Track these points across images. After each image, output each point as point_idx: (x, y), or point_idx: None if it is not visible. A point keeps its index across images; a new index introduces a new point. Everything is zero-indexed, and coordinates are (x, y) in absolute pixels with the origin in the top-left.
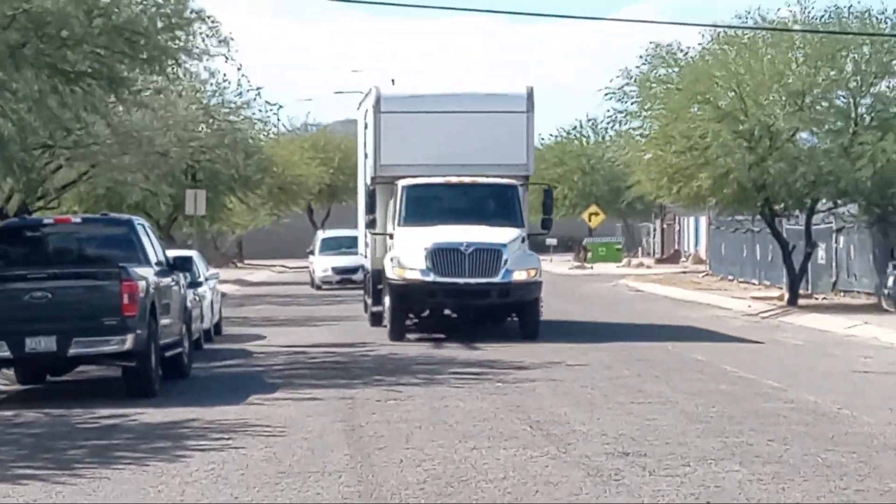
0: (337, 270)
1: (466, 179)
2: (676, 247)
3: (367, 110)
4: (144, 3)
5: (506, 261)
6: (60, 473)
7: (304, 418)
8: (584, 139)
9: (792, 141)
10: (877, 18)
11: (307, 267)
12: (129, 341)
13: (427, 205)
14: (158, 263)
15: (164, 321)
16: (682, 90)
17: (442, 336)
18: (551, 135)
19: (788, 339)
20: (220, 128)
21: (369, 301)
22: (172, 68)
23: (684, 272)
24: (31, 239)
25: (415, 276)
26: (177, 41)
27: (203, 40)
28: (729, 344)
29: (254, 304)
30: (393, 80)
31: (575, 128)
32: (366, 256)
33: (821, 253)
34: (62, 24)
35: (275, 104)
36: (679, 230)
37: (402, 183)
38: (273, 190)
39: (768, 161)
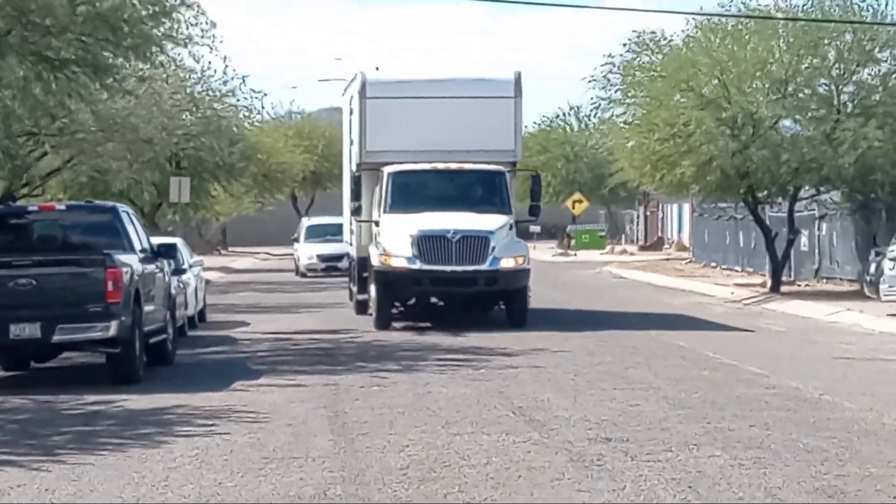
0: (322, 258)
1: (453, 166)
2: (660, 234)
3: (352, 96)
4: None
5: (493, 248)
6: (44, 459)
7: (288, 404)
8: (568, 127)
9: (775, 128)
10: (858, 6)
11: (292, 254)
12: (113, 328)
13: (413, 191)
14: (143, 251)
15: (148, 308)
16: (665, 78)
17: (428, 325)
18: (535, 123)
19: (771, 326)
20: (205, 115)
21: (354, 289)
22: (155, 55)
23: (667, 259)
24: (16, 226)
25: (401, 263)
26: (161, 28)
27: (187, 28)
28: (711, 330)
29: (238, 291)
30: (377, 68)
31: (558, 116)
32: (351, 244)
33: (803, 240)
34: (46, 11)
35: (259, 92)
36: (662, 217)
37: (387, 169)
38: (257, 177)
39: (751, 148)
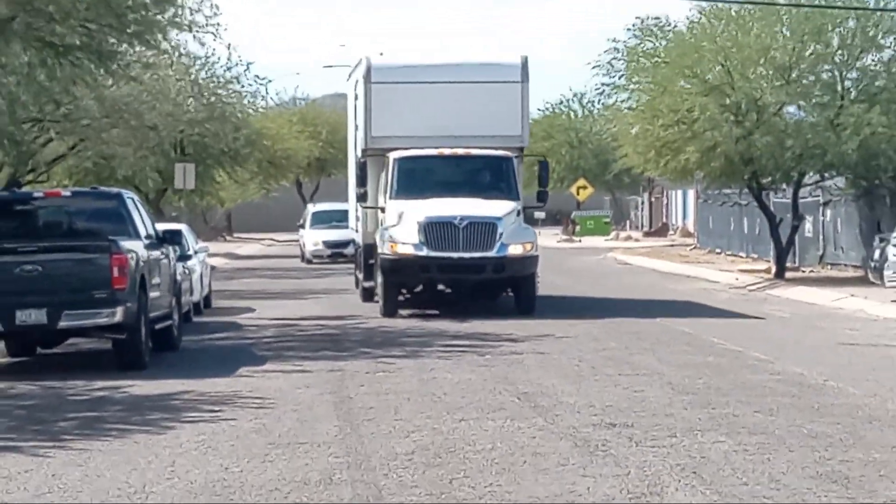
0: (328, 244)
1: (460, 151)
2: (664, 220)
3: (357, 81)
4: None
5: (501, 234)
6: (50, 445)
7: (294, 390)
8: (572, 113)
9: (779, 114)
10: None
11: (297, 240)
12: (118, 314)
13: (419, 177)
14: (148, 237)
15: (153, 294)
16: (669, 64)
17: (436, 312)
18: (539, 109)
19: (775, 312)
20: (209, 102)
21: (360, 276)
22: (159, 41)
23: (672, 245)
24: (22, 212)
25: (407, 250)
26: (165, 14)
27: (192, 14)
28: (716, 316)
29: (243, 278)
30: (381, 53)
31: (562, 102)
32: (357, 230)
33: (808, 226)
34: None
35: (264, 79)
36: (667, 203)
37: (393, 155)
38: (262, 164)
39: (755, 134)
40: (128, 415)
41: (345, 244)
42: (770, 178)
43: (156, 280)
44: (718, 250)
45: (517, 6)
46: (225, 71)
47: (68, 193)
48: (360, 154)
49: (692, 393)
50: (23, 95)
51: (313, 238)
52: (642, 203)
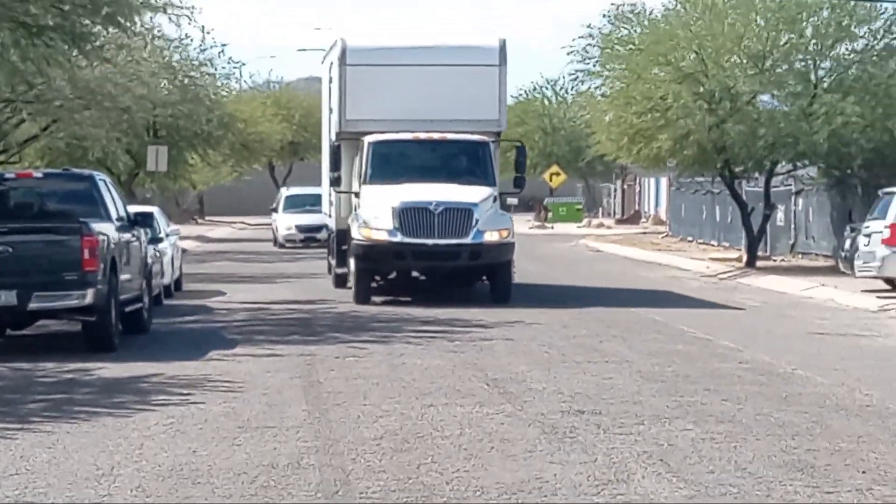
0: (301, 229)
1: (436, 135)
2: (637, 207)
3: (331, 63)
4: None
5: (476, 221)
6: (18, 427)
7: (264, 374)
8: (546, 100)
9: (752, 103)
10: None
11: (269, 224)
12: (89, 296)
13: (394, 162)
14: (119, 219)
15: (124, 276)
16: (643, 51)
17: (409, 299)
18: (513, 95)
19: (746, 301)
20: (183, 83)
21: (333, 262)
22: (133, 23)
23: (644, 233)
24: None
25: (381, 236)
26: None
27: None
28: (686, 305)
29: (215, 261)
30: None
31: (535, 89)
32: (330, 215)
33: (780, 215)
34: None
35: (238, 62)
36: (640, 191)
37: (368, 139)
38: (235, 146)
39: (728, 123)
40: (97, 397)
41: (318, 229)
42: (742, 167)
43: (126, 263)
44: (690, 238)
45: None
46: (199, 53)
47: (40, 175)
48: (334, 138)
49: (661, 381)
50: None
51: (286, 222)
52: (615, 190)
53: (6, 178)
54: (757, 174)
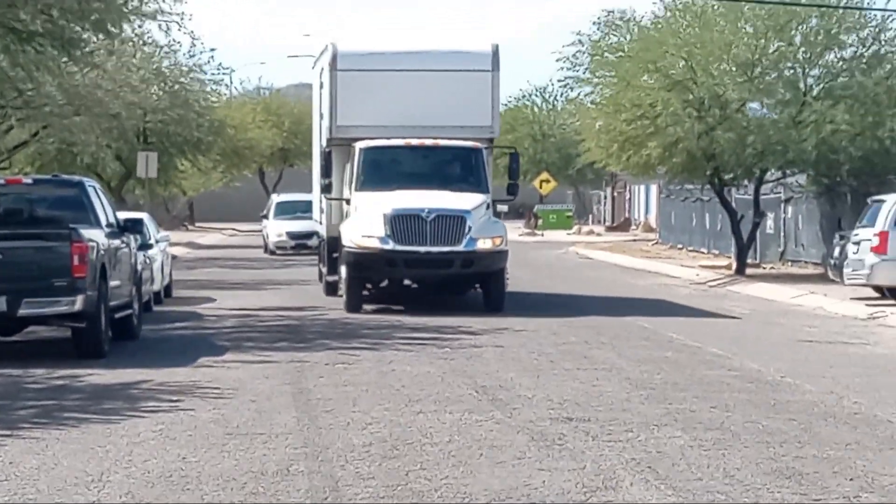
0: (292, 235)
1: (428, 142)
2: (627, 215)
3: (322, 68)
4: None
5: (469, 228)
6: (7, 433)
7: (253, 381)
8: (535, 107)
9: (741, 111)
10: None
11: (259, 231)
12: (78, 302)
13: (386, 168)
14: (109, 225)
15: (113, 283)
16: (632, 58)
17: (401, 308)
18: (502, 103)
19: (735, 308)
20: (172, 90)
21: (324, 270)
22: (121, 29)
23: (634, 240)
24: None
25: (373, 244)
26: (128, 4)
27: (157, 1)
28: (676, 312)
29: (205, 267)
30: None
31: (524, 96)
32: (321, 223)
33: (769, 223)
34: None
35: (227, 68)
36: (630, 198)
37: (359, 145)
38: (225, 152)
39: (717, 130)
40: (86, 404)
41: (309, 235)
42: (732, 175)
43: (116, 269)
44: (680, 246)
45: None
46: (188, 59)
47: (29, 181)
48: (324, 144)
49: (649, 388)
50: None
51: (277, 229)
52: (605, 197)
53: None
54: (746, 182)
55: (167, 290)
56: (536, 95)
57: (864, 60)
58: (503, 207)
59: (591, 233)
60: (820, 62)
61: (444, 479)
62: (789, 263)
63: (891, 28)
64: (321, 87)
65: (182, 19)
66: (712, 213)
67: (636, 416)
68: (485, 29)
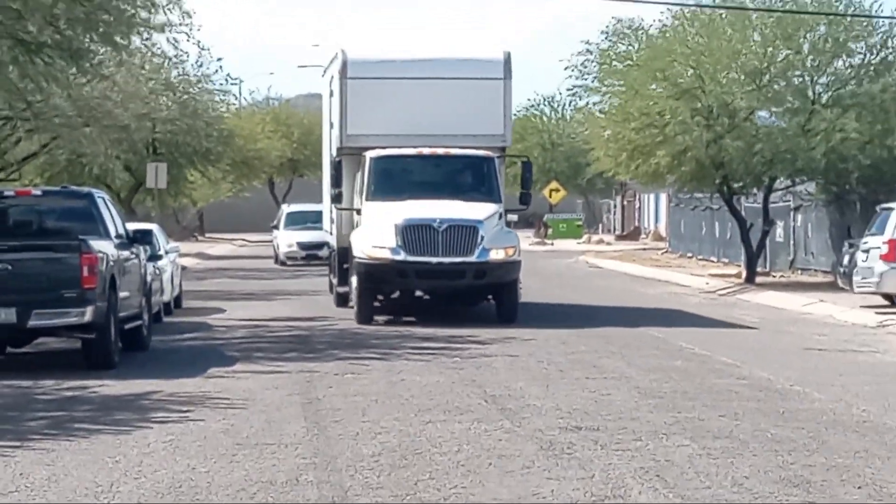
0: (303, 246)
1: (440, 151)
2: (637, 224)
3: (332, 76)
4: None
5: (482, 238)
6: (18, 444)
7: (263, 391)
8: (543, 116)
9: (750, 119)
10: None
11: (270, 241)
12: (88, 313)
13: (397, 178)
14: (118, 236)
15: (123, 294)
16: (641, 67)
17: (412, 319)
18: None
19: (744, 317)
20: (182, 100)
21: (335, 281)
22: (130, 41)
23: (644, 249)
24: None
25: (384, 254)
26: (137, 16)
27: (165, 14)
28: (685, 320)
29: (215, 278)
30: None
31: (533, 105)
32: (331, 233)
33: (779, 231)
34: None
35: (235, 78)
36: (639, 207)
37: (370, 154)
38: (235, 162)
39: (726, 139)
40: (96, 415)
41: (319, 246)
42: (741, 183)
43: (126, 280)
44: (690, 254)
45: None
46: (196, 69)
47: (39, 192)
48: (334, 153)
49: (659, 396)
50: None
51: (287, 239)
52: (615, 206)
53: (5, 195)
54: (755, 190)
55: (177, 300)
56: (545, 105)
57: (872, 67)
58: (512, 217)
59: (600, 242)
60: (828, 70)
61: (453, 488)
62: (799, 272)
63: None
64: (331, 95)
65: (191, 30)
66: (722, 222)
67: (645, 424)
68: (484, 28)
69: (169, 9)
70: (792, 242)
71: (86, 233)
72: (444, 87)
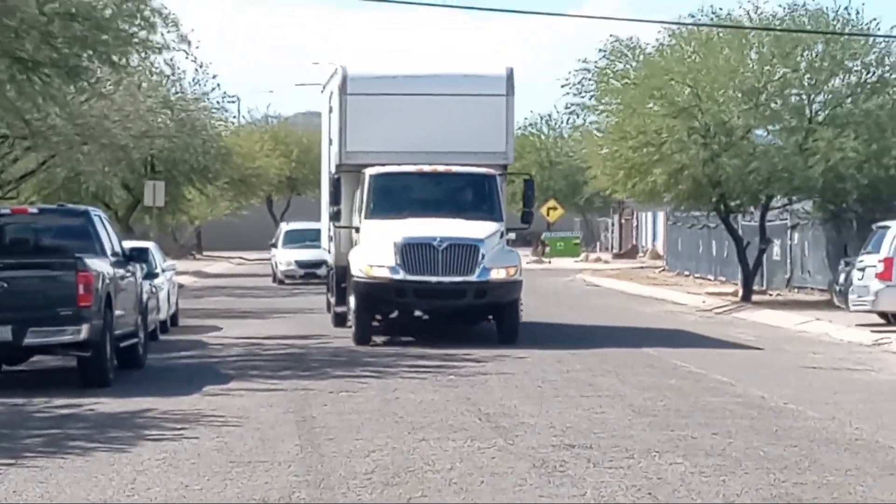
0: (301, 264)
1: (440, 168)
2: (634, 242)
3: (332, 92)
4: None
5: (483, 257)
6: (12, 462)
7: (258, 409)
8: (541, 135)
9: (747, 137)
10: (829, 16)
11: (268, 259)
12: (84, 331)
13: (397, 195)
14: (115, 254)
15: (119, 312)
16: (638, 85)
17: (411, 339)
18: None
19: (741, 335)
20: (179, 118)
21: (333, 300)
22: (127, 58)
23: (641, 267)
24: None
25: (383, 273)
26: (136, 36)
27: (163, 35)
28: (681, 339)
29: (212, 296)
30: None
31: (531, 123)
32: (329, 251)
33: (775, 249)
34: (10, 11)
35: (233, 96)
36: (637, 225)
37: (369, 171)
38: (233, 180)
39: (723, 157)
40: (91, 432)
41: (318, 264)
42: (738, 201)
43: (121, 298)
44: (687, 273)
45: (494, 20)
46: (193, 86)
47: (35, 210)
48: (333, 170)
49: (652, 415)
50: None
51: (286, 257)
52: (612, 225)
53: (2, 213)
54: (752, 208)
55: (173, 318)
56: (543, 123)
57: (869, 85)
58: (510, 235)
59: (598, 260)
60: (825, 88)
61: None
62: (796, 290)
63: (895, 53)
64: (330, 111)
65: (189, 48)
66: (719, 240)
67: (638, 442)
68: (482, 35)
69: (167, 30)
70: (789, 261)
71: (82, 251)
72: (445, 104)
